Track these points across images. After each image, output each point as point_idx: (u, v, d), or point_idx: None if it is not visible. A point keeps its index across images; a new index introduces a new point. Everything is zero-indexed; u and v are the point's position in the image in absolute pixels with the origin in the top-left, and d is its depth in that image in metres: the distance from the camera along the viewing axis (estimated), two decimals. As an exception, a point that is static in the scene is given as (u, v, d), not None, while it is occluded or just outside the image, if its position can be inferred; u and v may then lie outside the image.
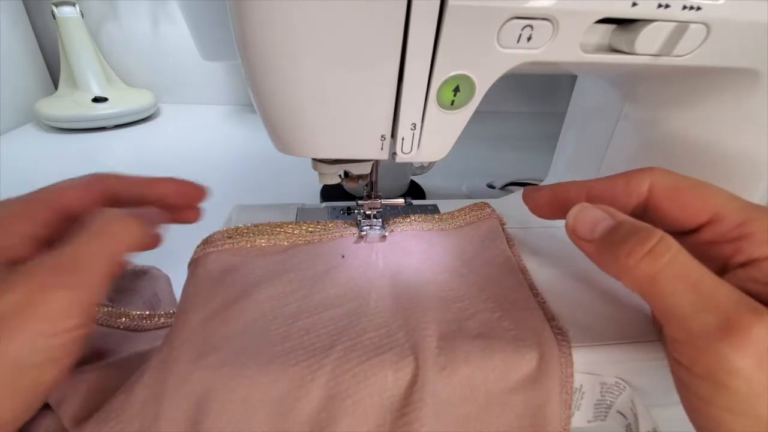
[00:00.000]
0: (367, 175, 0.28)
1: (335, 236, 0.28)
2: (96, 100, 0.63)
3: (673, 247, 0.16)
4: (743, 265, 0.17)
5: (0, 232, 0.16)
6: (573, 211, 0.19)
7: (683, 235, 0.19)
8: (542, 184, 0.39)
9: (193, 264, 0.26)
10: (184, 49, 0.71)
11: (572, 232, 0.19)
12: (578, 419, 0.22)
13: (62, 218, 0.17)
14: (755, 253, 0.17)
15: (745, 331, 0.14)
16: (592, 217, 0.18)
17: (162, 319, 0.27)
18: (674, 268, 0.15)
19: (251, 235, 0.27)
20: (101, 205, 0.18)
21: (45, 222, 0.17)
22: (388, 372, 0.19)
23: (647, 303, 0.17)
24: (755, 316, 0.14)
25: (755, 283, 0.17)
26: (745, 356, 0.14)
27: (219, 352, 0.20)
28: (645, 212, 0.20)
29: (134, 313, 0.26)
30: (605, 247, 0.17)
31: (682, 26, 0.18)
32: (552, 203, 0.22)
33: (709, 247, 0.18)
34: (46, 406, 0.20)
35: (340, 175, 0.27)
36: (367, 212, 0.29)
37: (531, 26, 0.17)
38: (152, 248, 0.19)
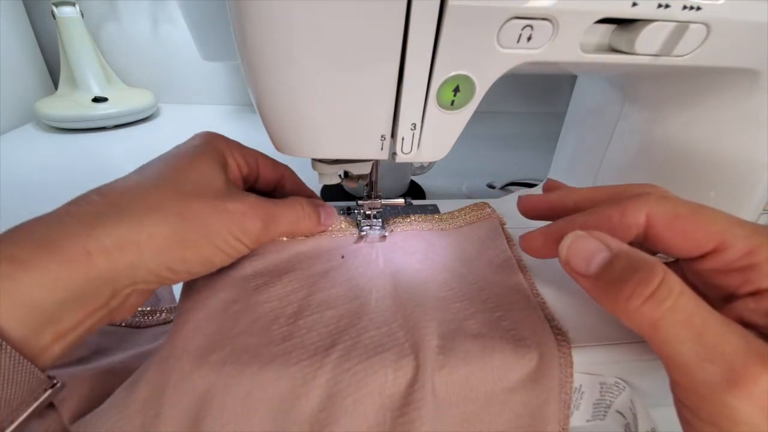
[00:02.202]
0: (367, 175, 0.28)
1: (334, 235, 0.28)
2: (96, 100, 0.63)
3: (675, 288, 0.15)
4: (752, 294, 0.17)
5: (240, 159, 0.24)
6: (566, 241, 0.17)
7: (686, 260, 0.19)
8: (542, 184, 0.39)
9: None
10: (184, 49, 0.70)
11: (566, 265, 0.17)
12: (577, 418, 0.23)
13: (255, 167, 0.25)
14: (764, 284, 0.16)
15: (751, 382, 0.13)
16: (587, 248, 0.17)
17: (163, 315, 0.27)
18: (677, 314, 0.14)
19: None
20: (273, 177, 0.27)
21: (250, 165, 0.25)
22: (389, 371, 0.19)
23: (651, 346, 0.16)
24: (762, 364, 0.13)
25: (763, 315, 0.16)
26: (751, 405, 0.13)
27: (221, 351, 0.20)
28: (645, 240, 0.19)
29: None
30: (603, 286, 0.16)
31: (682, 26, 0.18)
32: (546, 245, 0.21)
33: (714, 275, 0.18)
34: (48, 406, 0.20)
35: (340, 175, 0.27)
36: (367, 212, 0.29)
37: (531, 26, 0.17)
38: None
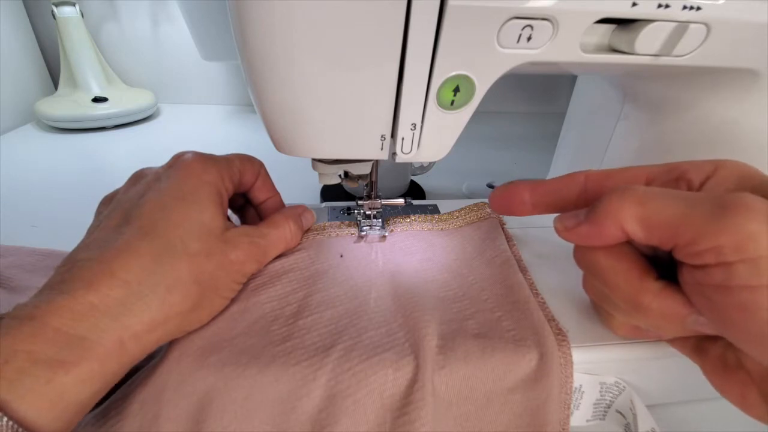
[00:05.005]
0: (367, 175, 0.28)
1: (333, 235, 0.28)
2: (96, 100, 0.63)
3: (638, 184, 0.16)
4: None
5: (229, 185, 0.24)
6: (555, 219, 0.20)
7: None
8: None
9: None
10: (184, 49, 0.70)
11: (563, 229, 0.19)
12: (577, 418, 0.23)
13: (238, 182, 0.25)
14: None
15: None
16: (572, 212, 0.19)
17: None
18: (652, 193, 0.16)
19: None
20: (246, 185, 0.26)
21: (234, 183, 0.25)
22: (389, 371, 0.19)
23: (659, 242, 0.16)
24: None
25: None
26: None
27: (220, 353, 0.20)
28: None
29: None
30: (593, 217, 0.17)
31: (682, 26, 0.18)
32: (534, 197, 0.22)
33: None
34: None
35: (340, 175, 0.27)
36: (367, 212, 0.29)
37: (531, 26, 0.17)
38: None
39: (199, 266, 0.20)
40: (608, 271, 0.18)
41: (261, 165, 0.27)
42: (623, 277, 0.17)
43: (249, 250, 0.22)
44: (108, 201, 0.23)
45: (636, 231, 0.16)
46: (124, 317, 0.17)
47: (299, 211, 0.27)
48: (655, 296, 0.17)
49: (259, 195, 0.27)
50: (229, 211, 0.27)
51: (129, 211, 0.20)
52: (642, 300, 0.17)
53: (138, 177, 0.23)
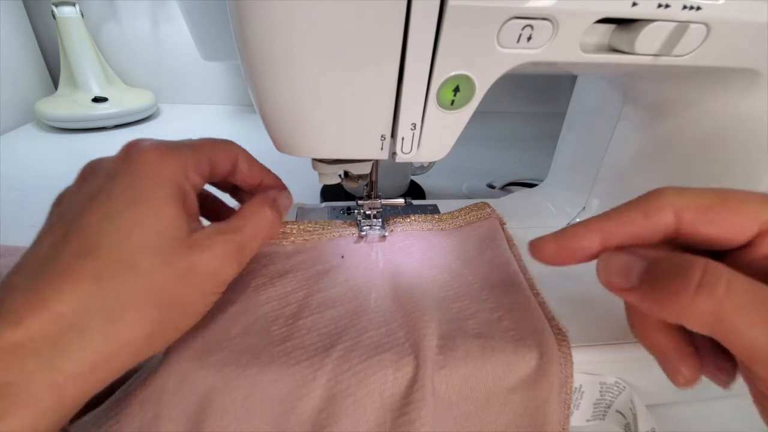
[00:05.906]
0: (367, 175, 0.28)
1: (334, 235, 0.28)
2: (96, 100, 0.63)
3: (722, 272, 0.13)
4: None
5: (196, 178, 0.21)
6: (600, 265, 0.16)
7: (727, 254, 0.16)
8: (542, 184, 0.39)
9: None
10: (184, 49, 0.70)
11: (609, 285, 0.16)
12: (577, 418, 0.23)
13: (208, 170, 0.21)
14: None
15: None
16: (621, 263, 0.16)
17: None
18: (736, 298, 0.13)
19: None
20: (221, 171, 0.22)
21: (204, 173, 0.21)
22: (389, 371, 0.19)
23: (723, 344, 0.14)
24: None
25: None
26: None
27: (220, 353, 0.20)
28: (677, 238, 0.16)
29: None
30: (650, 293, 0.15)
31: (682, 26, 0.18)
32: (559, 252, 0.17)
33: (764, 260, 0.15)
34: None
35: (340, 175, 0.27)
36: (367, 212, 0.29)
37: (531, 26, 0.17)
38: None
39: (155, 285, 0.17)
40: (644, 343, 0.17)
41: (238, 148, 0.23)
42: (660, 355, 0.17)
43: (224, 250, 0.19)
44: (62, 201, 0.20)
45: (703, 330, 0.14)
46: (57, 359, 0.15)
47: (272, 194, 0.23)
48: (688, 382, 0.16)
49: (247, 180, 0.23)
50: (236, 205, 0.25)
51: (70, 223, 0.17)
52: (675, 382, 0.16)
53: (90, 171, 0.20)
